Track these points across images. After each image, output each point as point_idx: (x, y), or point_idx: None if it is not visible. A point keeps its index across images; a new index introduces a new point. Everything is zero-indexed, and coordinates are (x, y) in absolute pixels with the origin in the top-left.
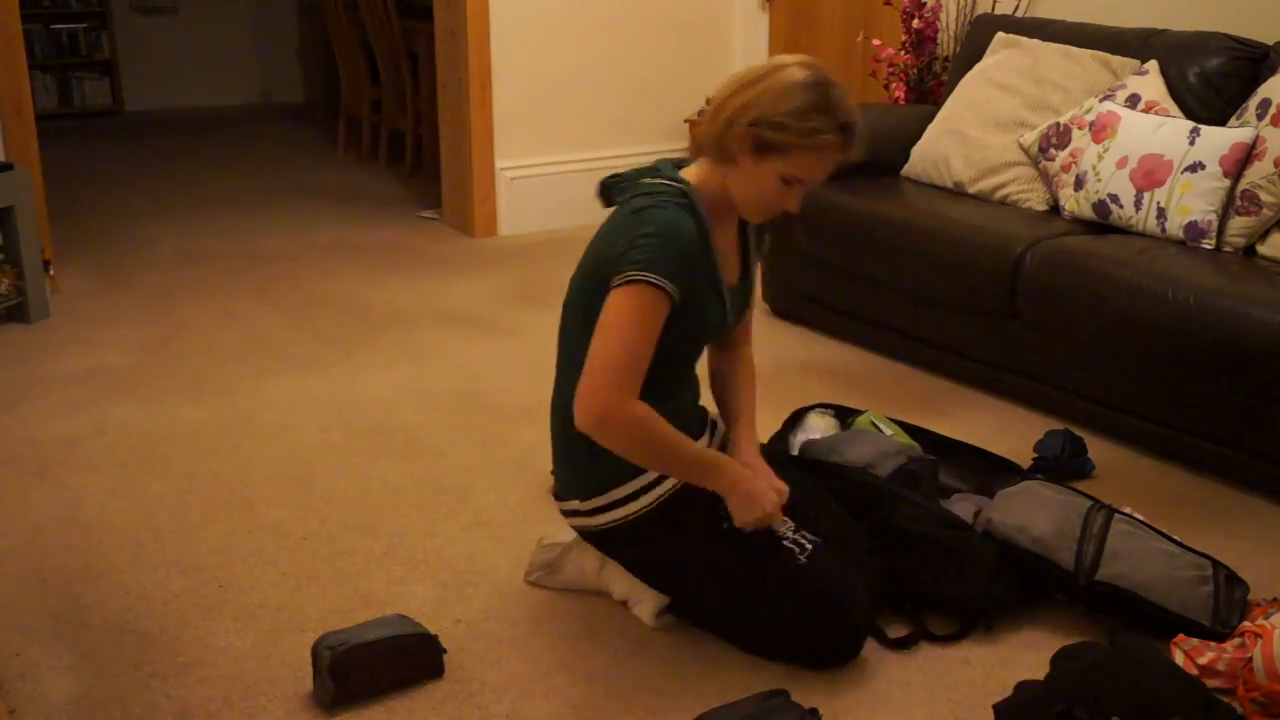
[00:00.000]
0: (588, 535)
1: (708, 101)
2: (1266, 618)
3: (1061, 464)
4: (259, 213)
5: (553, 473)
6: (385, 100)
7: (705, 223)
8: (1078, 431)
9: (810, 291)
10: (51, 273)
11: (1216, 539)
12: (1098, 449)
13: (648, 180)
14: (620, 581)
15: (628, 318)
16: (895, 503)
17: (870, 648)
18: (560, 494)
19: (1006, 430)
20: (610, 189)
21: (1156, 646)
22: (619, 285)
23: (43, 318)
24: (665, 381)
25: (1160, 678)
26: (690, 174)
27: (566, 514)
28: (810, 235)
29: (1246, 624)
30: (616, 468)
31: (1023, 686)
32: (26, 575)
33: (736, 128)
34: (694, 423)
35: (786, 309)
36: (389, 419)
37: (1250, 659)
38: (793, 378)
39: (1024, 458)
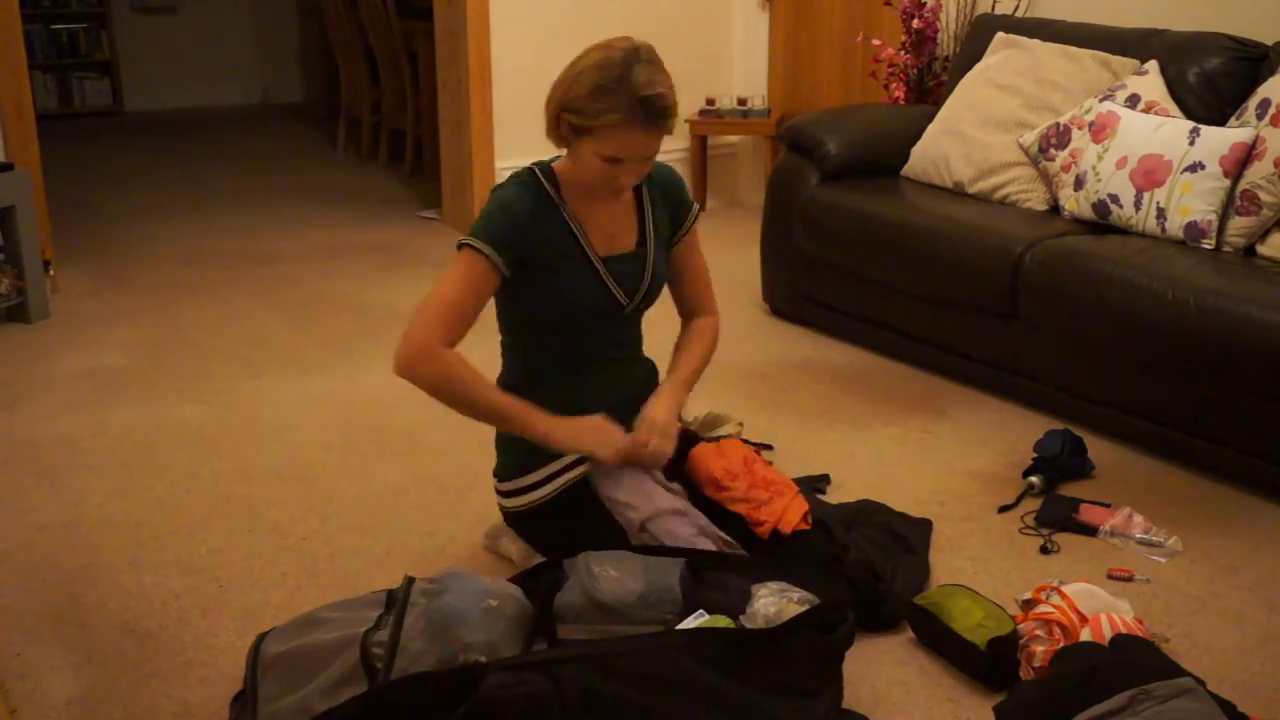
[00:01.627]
0: (505, 517)
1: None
2: (1047, 597)
3: (1061, 464)
4: (259, 213)
5: None
6: (385, 100)
7: (553, 196)
8: (1078, 431)
9: (810, 291)
10: (51, 273)
11: (1216, 539)
12: (1098, 449)
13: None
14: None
15: (448, 275)
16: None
17: (871, 647)
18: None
19: (1006, 430)
20: None
21: (1156, 647)
22: (456, 250)
23: (43, 318)
24: (567, 359)
25: (1160, 678)
26: (561, 160)
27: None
28: (810, 235)
29: (1041, 613)
30: (526, 457)
31: (1023, 686)
32: (26, 575)
33: (551, 115)
34: (623, 410)
35: (786, 309)
36: (389, 419)
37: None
38: (793, 378)
39: (1024, 458)
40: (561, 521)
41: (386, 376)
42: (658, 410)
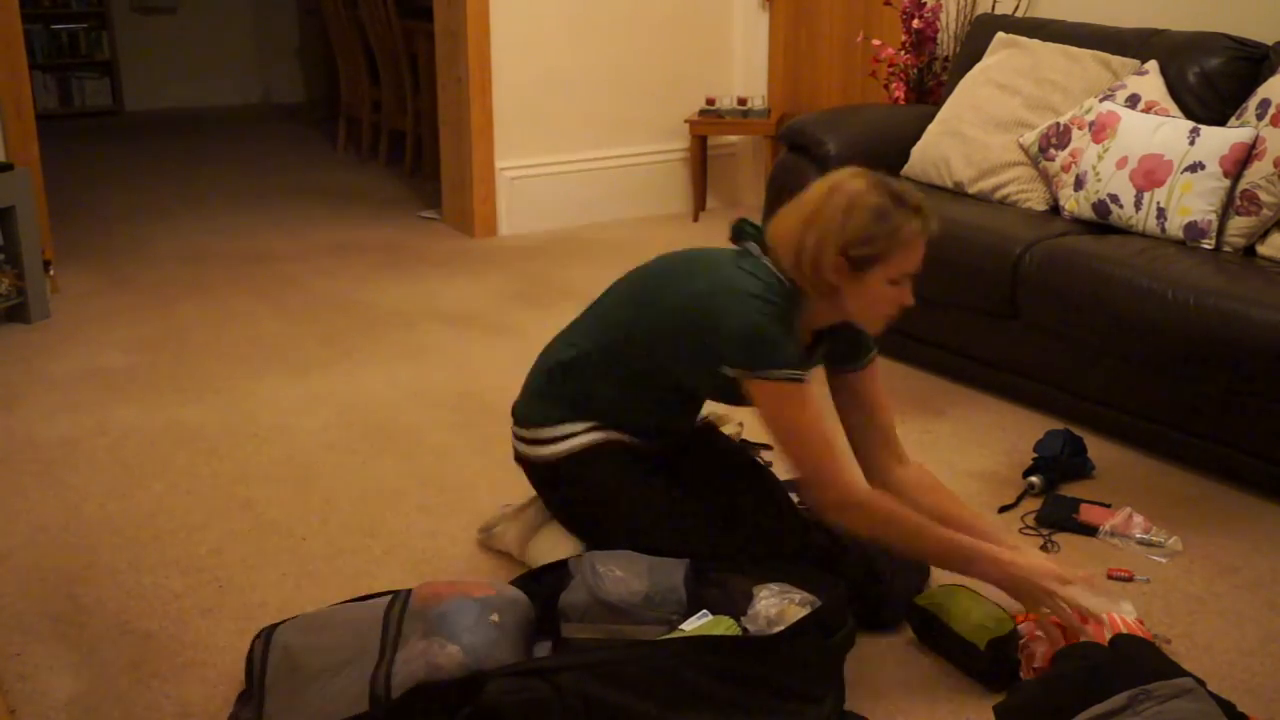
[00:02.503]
0: (530, 469)
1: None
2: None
3: (1061, 464)
4: (259, 213)
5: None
6: (385, 100)
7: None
8: (1078, 431)
9: None
10: (51, 273)
11: (1216, 539)
12: (1098, 449)
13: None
14: (543, 557)
15: (799, 415)
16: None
17: (871, 648)
18: (516, 418)
19: (1006, 430)
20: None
21: (1156, 647)
22: (765, 379)
23: (43, 318)
24: (660, 422)
25: (1160, 678)
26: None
27: (516, 440)
28: None
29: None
30: (567, 408)
31: (1023, 686)
32: (26, 575)
33: (827, 261)
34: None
35: None
36: (389, 419)
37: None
38: None
39: (1024, 457)
40: (600, 470)
41: (387, 376)
42: (1042, 561)
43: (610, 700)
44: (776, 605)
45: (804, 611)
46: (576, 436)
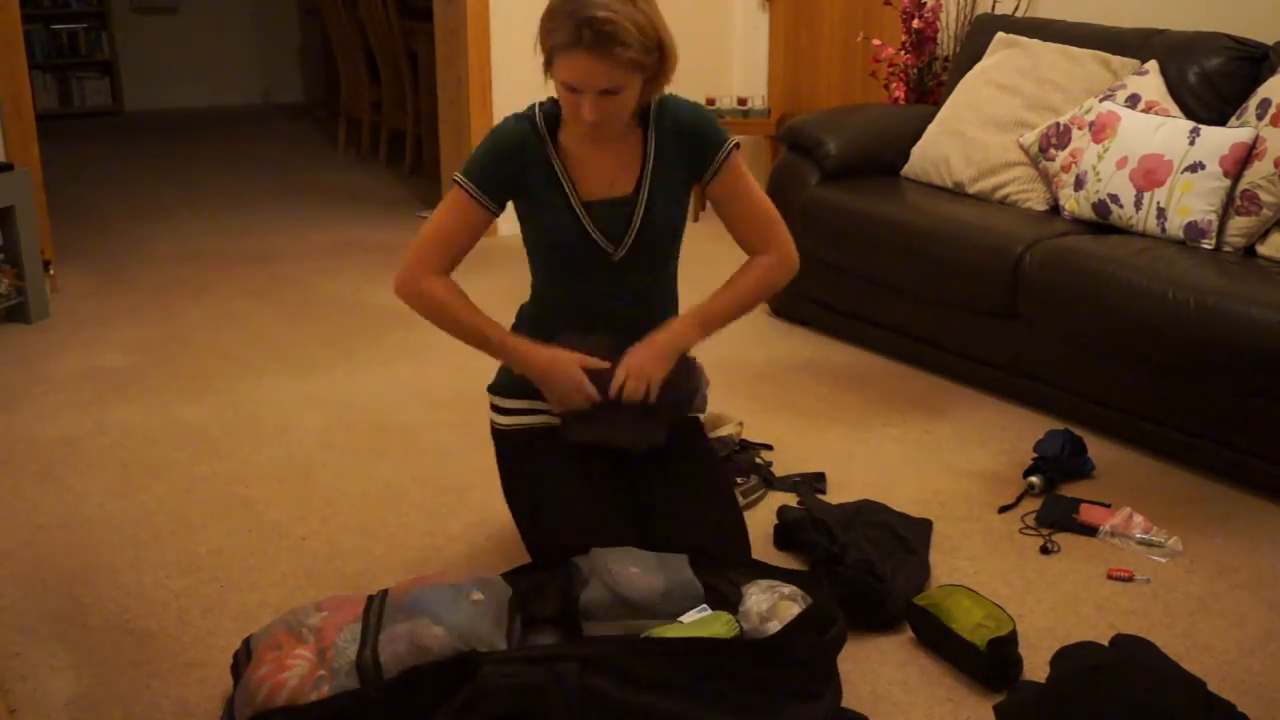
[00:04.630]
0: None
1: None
2: None
3: (1061, 464)
4: (259, 212)
5: None
6: (385, 100)
7: (544, 134)
8: (1078, 431)
9: (811, 292)
10: (51, 273)
11: (1216, 539)
12: (1098, 449)
13: None
14: None
15: (440, 206)
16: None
17: (871, 647)
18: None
19: (1006, 430)
20: None
21: (1156, 647)
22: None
23: (43, 318)
24: (568, 303)
25: (1160, 678)
26: None
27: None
28: (810, 235)
29: None
30: (513, 379)
31: (1023, 686)
32: (26, 575)
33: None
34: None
35: (787, 309)
36: (389, 419)
37: None
38: (793, 378)
39: (1024, 457)
40: (523, 456)
41: (387, 376)
42: (644, 354)
43: (608, 692)
44: (768, 600)
45: (796, 607)
46: (506, 414)
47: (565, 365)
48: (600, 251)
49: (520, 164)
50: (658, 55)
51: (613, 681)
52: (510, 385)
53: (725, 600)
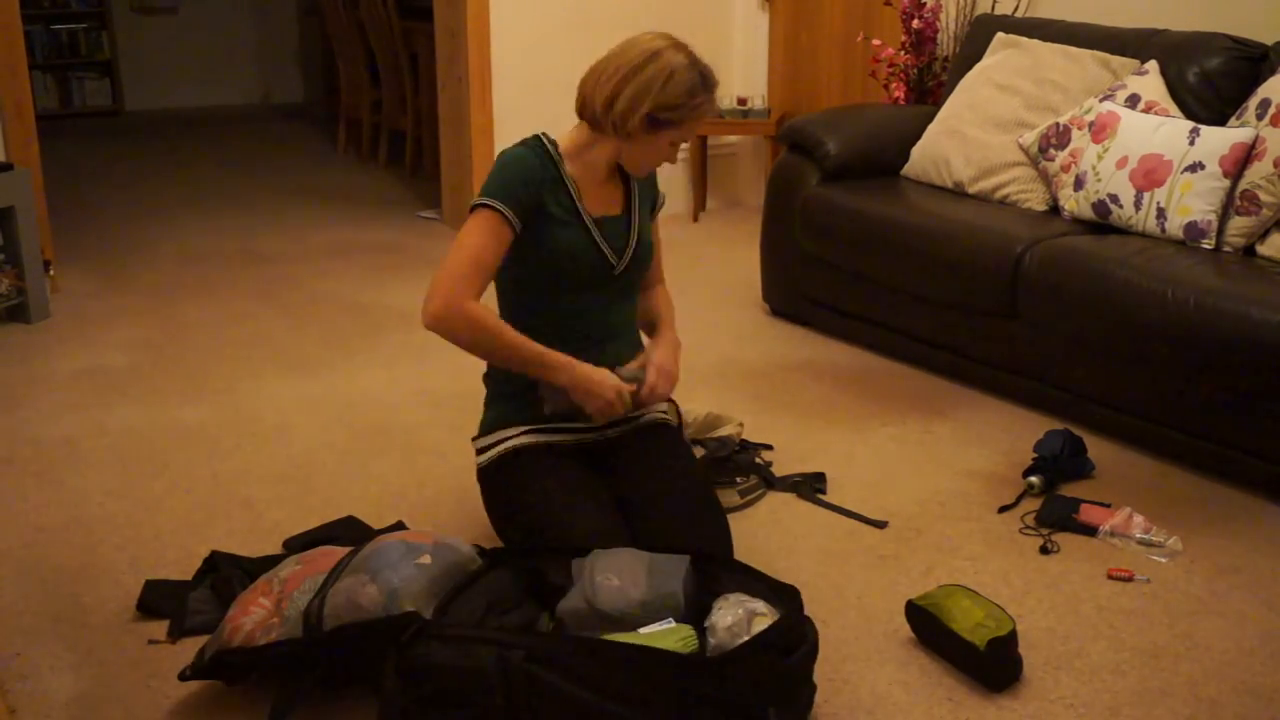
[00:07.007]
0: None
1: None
2: None
3: (1061, 464)
4: (259, 213)
5: None
6: (385, 100)
7: (555, 159)
8: (1078, 431)
9: (810, 291)
10: (51, 273)
11: (1216, 539)
12: (1098, 449)
13: None
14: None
15: (467, 232)
16: None
17: (871, 647)
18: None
19: (1006, 430)
20: None
21: None
22: (470, 212)
23: (43, 318)
24: (560, 329)
25: None
26: (565, 133)
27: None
28: (810, 235)
29: None
30: (494, 416)
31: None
32: (26, 575)
33: (634, 118)
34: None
35: (786, 309)
36: (389, 419)
37: None
38: (793, 378)
39: (1024, 457)
40: (497, 488)
41: (387, 376)
42: (666, 354)
43: (556, 685)
44: (733, 615)
45: (765, 623)
46: (481, 452)
47: (604, 374)
48: (607, 264)
49: (539, 187)
50: None
51: (557, 674)
52: (488, 424)
53: (705, 612)
